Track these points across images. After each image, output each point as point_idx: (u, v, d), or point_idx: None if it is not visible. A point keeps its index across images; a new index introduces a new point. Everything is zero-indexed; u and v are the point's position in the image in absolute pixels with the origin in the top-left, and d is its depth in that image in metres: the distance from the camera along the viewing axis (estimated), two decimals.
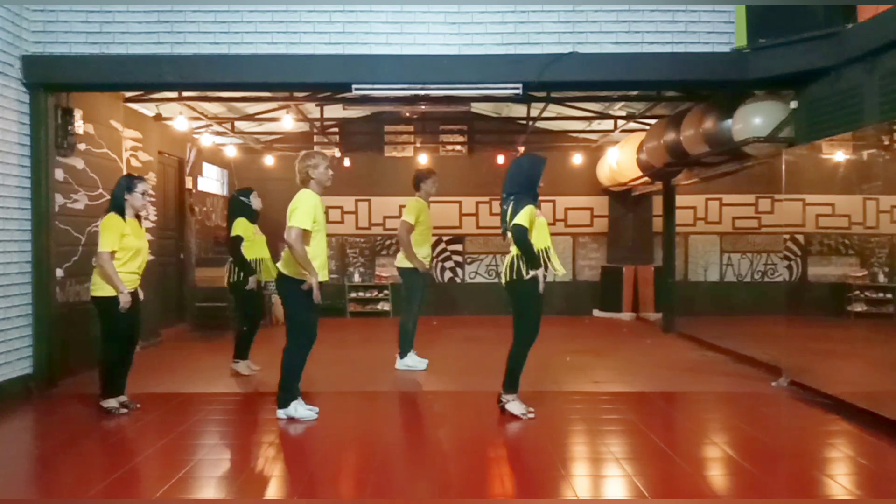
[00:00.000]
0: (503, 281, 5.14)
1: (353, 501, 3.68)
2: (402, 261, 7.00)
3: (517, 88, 6.12)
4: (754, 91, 6.66)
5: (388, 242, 11.80)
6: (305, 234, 4.89)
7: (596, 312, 11.68)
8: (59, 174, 6.30)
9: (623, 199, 11.78)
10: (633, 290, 11.38)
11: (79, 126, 6.44)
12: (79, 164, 6.65)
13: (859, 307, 5.95)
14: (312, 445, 4.73)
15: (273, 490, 3.91)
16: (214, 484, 3.90)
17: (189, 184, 10.08)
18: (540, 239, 5.01)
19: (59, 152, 6.28)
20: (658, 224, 10.65)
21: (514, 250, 5.02)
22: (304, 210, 4.88)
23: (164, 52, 6.02)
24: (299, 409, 5.05)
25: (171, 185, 9.74)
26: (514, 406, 5.09)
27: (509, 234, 5.00)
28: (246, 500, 3.67)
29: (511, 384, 5.11)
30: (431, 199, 7.13)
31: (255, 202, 6.74)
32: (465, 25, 6.09)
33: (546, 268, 5.02)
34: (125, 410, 5.18)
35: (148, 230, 8.10)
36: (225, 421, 5.21)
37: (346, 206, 11.69)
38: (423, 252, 6.95)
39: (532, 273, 4.91)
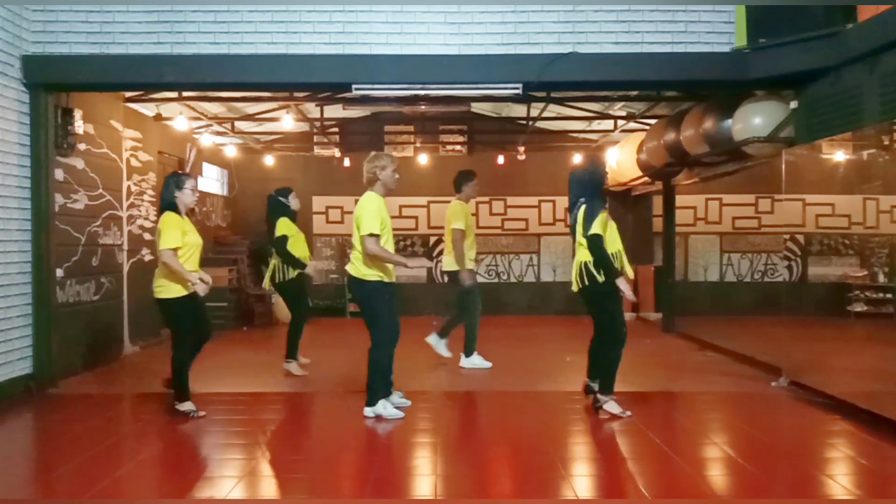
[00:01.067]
0: (575, 287, 5.15)
1: (354, 501, 3.68)
2: (450, 264, 7.00)
3: (517, 88, 6.12)
4: (754, 91, 6.66)
5: None
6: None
7: None
8: (59, 174, 6.30)
9: (623, 199, 11.74)
10: (633, 290, 11.35)
11: (79, 126, 6.44)
12: (79, 164, 6.66)
13: (859, 307, 5.95)
14: (313, 445, 4.74)
15: (274, 490, 3.91)
16: (215, 484, 3.90)
17: None
18: (612, 243, 5.05)
19: (59, 152, 6.29)
20: (658, 224, 10.63)
21: (580, 256, 5.04)
22: (371, 215, 4.94)
23: (164, 52, 6.02)
24: (387, 408, 5.07)
25: None
26: (611, 406, 5.08)
27: (579, 237, 5.02)
28: (246, 501, 3.67)
29: (606, 385, 5.09)
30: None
31: (294, 202, 6.86)
32: (465, 25, 6.09)
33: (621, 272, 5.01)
34: (203, 413, 5.11)
35: (147, 230, 8.17)
36: (225, 421, 5.21)
37: (346, 206, 11.66)
38: (468, 255, 6.96)
39: (611, 279, 4.90)
